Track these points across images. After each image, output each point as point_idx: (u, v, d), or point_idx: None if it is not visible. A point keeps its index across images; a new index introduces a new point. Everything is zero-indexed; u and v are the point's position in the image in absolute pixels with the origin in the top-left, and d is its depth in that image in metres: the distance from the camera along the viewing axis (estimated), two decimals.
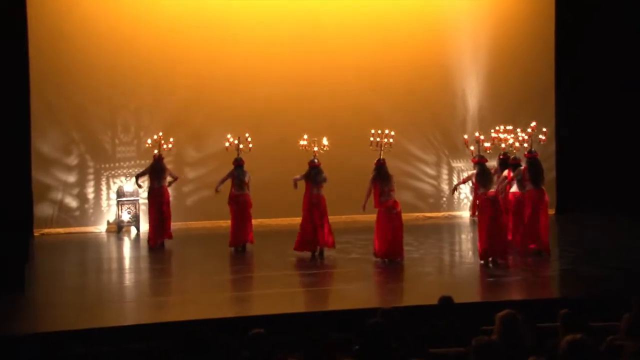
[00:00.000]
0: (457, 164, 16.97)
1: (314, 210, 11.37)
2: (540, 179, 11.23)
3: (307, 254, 11.49)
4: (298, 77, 16.04)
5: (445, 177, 16.96)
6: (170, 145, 13.57)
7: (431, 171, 16.89)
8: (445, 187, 16.95)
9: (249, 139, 12.88)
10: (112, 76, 15.36)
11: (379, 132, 11.29)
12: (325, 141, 11.81)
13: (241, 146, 12.65)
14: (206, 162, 15.69)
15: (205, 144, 15.72)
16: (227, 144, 12.84)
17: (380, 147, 11.16)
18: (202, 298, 8.94)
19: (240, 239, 12.22)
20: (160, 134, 13.66)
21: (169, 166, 13.45)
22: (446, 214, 16.85)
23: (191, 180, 15.66)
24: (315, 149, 11.64)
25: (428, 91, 16.57)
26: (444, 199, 16.97)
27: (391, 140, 11.23)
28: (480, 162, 10.74)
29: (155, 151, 13.22)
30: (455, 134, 16.63)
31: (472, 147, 10.97)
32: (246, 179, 12.42)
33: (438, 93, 16.68)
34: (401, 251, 10.82)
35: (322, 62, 16.10)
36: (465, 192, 16.91)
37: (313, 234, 11.33)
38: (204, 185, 15.46)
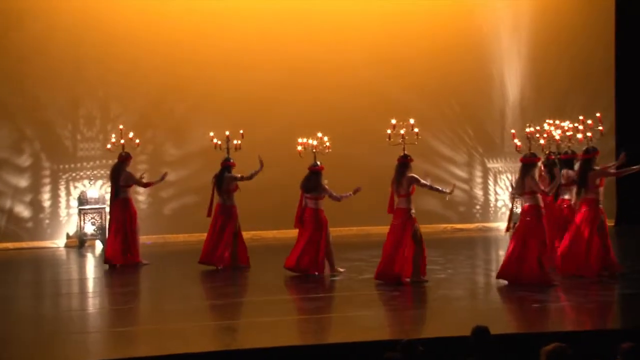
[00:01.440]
0: (494, 165, 17.08)
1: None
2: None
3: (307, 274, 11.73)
4: (298, 61, 16.14)
5: (478, 180, 17.04)
6: (137, 141, 13.56)
7: (461, 173, 16.95)
8: (478, 192, 17.03)
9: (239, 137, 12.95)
10: (73, 60, 15.46)
11: (400, 122, 11.31)
12: (322, 138, 11.90)
13: (236, 142, 12.73)
14: (188, 161, 15.79)
15: (187, 139, 15.80)
16: (217, 142, 12.89)
17: (403, 141, 11.16)
18: (182, 328, 9.00)
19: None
20: (121, 127, 13.64)
21: (138, 173, 13.48)
22: (480, 225, 16.92)
23: (171, 184, 15.66)
24: (313, 144, 11.84)
25: (457, 77, 16.66)
26: (478, 207, 17.03)
27: (416, 129, 11.23)
28: (532, 162, 10.63)
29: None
30: (492, 128, 16.74)
31: (518, 143, 10.84)
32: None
33: (470, 79, 16.76)
34: (396, 272, 10.81)
35: (327, 42, 16.23)
36: (504, 199, 16.90)
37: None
38: (186, 190, 15.55)
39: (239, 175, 12.49)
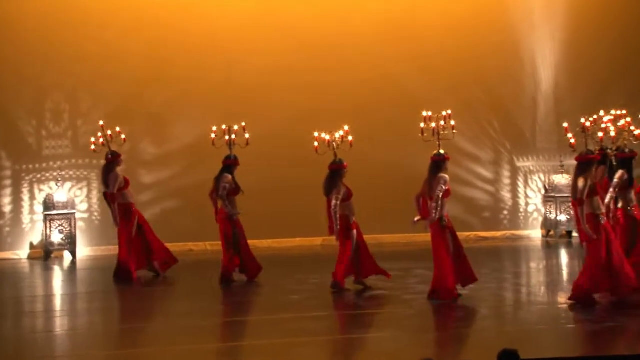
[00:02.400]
0: (524, 163, 17.05)
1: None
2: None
3: (311, 287, 11.88)
4: (303, 42, 16.11)
5: (506, 181, 17.00)
6: (123, 137, 13.60)
7: (486, 173, 16.95)
8: (506, 195, 16.99)
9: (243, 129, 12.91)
10: (38, 46, 15.46)
11: (435, 115, 11.23)
12: (338, 134, 11.84)
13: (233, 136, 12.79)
14: (169, 160, 15.79)
15: (168, 136, 15.81)
16: (213, 135, 12.94)
17: (438, 137, 11.09)
18: (170, 351, 8.94)
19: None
20: (101, 122, 13.66)
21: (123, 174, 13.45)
22: (508, 233, 16.89)
23: (149, 186, 15.70)
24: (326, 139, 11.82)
25: (482, 61, 16.67)
26: (505, 212, 16.99)
27: (452, 122, 11.18)
28: (589, 160, 10.47)
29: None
30: (522, 121, 16.74)
31: (572, 140, 10.73)
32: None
33: (497, 64, 16.77)
34: (450, 288, 10.89)
35: (336, 20, 16.25)
36: (536, 204, 16.82)
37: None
38: (167, 193, 15.58)
39: (226, 185, 12.50)
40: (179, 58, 15.89)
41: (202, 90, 15.83)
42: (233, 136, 12.76)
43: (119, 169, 13.29)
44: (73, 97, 15.79)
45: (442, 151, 11.00)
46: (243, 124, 12.81)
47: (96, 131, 13.67)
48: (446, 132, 11.11)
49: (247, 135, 12.74)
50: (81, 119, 15.71)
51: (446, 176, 10.89)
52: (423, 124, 11.08)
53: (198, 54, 15.94)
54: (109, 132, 13.49)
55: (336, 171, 11.67)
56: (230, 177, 12.54)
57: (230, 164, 12.61)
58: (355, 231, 11.70)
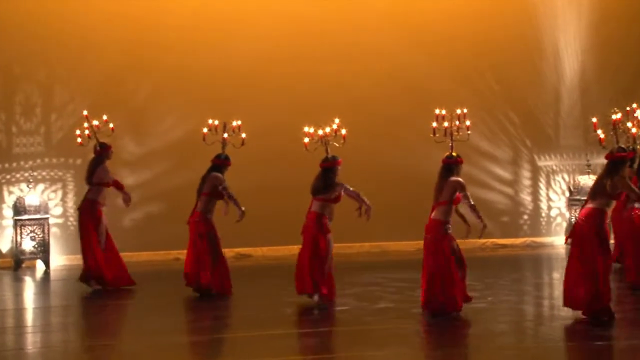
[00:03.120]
0: (546, 162, 17.13)
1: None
2: None
3: (308, 300, 11.84)
4: (299, 28, 16.21)
5: (526, 182, 17.06)
6: (111, 126, 13.57)
7: (504, 174, 17.02)
8: (526, 198, 17.04)
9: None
10: (6, 32, 15.49)
11: (446, 114, 11.22)
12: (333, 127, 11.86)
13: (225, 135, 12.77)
14: (153, 160, 15.88)
15: (152, 132, 15.89)
16: (205, 130, 12.93)
17: (451, 138, 11.09)
18: None
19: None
20: (85, 112, 13.69)
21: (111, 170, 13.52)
22: (528, 240, 16.99)
23: (131, 189, 15.30)
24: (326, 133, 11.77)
25: (498, 49, 16.74)
26: (525, 216, 17.03)
27: (467, 122, 11.17)
28: (621, 159, 10.44)
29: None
30: (543, 115, 16.83)
31: (602, 135, 10.71)
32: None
33: (515, 52, 16.84)
34: (440, 301, 10.90)
35: (336, 6, 16.33)
36: (559, 207, 16.82)
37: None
38: (151, 196, 15.65)
39: (225, 183, 12.52)
40: (163, 46, 15.93)
41: (189, 82, 15.89)
42: (225, 135, 12.79)
43: (109, 163, 13.38)
44: (46, 89, 15.83)
45: (454, 153, 10.98)
46: (239, 122, 12.80)
47: (72, 126, 13.83)
48: (461, 134, 11.13)
49: (243, 135, 12.74)
50: (55, 114, 15.77)
51: (461, 180, 10.87)
52: (435, 124, 11.07)
53: (184, 41, 15.99)
54: (96, 123, 13.47)
55: (329, 169, 11.66)
56: (221, 176, 12.57)
57: (219, 164, 12.64)
58: (330, 235, 11.70)
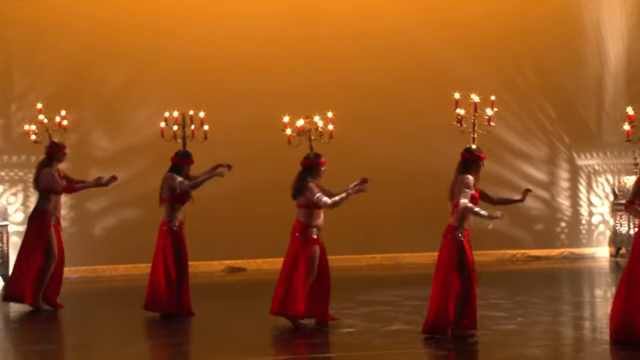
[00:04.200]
0: (587, 161, 17.14)
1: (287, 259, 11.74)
2: None
3: (309, 321, 11.81)
4: (295, 2, 16.25)
5: (564, 184, 17.07)
6: (65, 123, 13.45)
7: (539, 174, 17.06)
8: (564, 202, 17.03)
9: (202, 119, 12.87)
10: None
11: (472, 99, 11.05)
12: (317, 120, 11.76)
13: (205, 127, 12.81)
14: (127, 158, 15.91)
15: (125, 125, 15.96)
16: (163, 124, 12.94)
17: (473, 127, 11.03)
18: None
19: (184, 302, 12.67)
20: (39, 105, 13.58)
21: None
22: (566, 251, 17.01)
23: (102, 192, 15.43)
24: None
25: (532, 30, 16.74)
26: (563, 224, 17.05)
27: (493, 110, 11.09)
28: None
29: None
30: (584, 107, 16.87)
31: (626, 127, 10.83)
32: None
33: (551, 34, 16.83)
34: (450, 320, 10.85)
35: None
36: (602, 213, 16.89)
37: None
38: (125, 200, 15.68)
39: (179, 179, 12.43)
40: (138, 27, 16.00)
41: (168, 68, 15.92)
42: (205, 126, 12.83)
43: (62, 167, 13.27)
44: (4, 75, 15.88)
45: (474, 146, 10.95)
46: (201, 114, 12.77)
47: (36, 119, 13.54)
48: (486, 124, 11.03)
49: (205, 127, 12.71)
50: (15, 104, 15.82)
51: (469, 177, 10.77)
52: (459, 110, 10.94)
53: (163, 21, 16.04)
54: (57, 119, 13.38)
55: (308, 168, 11.62)
56: (175, 176, 12.46)
57: (177, 163, 12.56)
58: (318, 248, 11.66)
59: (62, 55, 15.83)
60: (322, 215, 11.64)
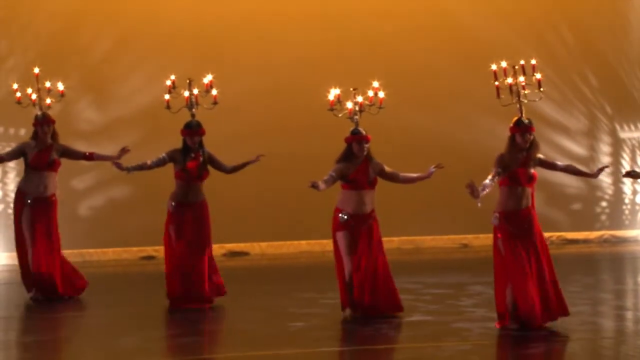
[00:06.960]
0: (632, 134, 17.23)
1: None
2: None
3: (317, 311, 12.09)
4: None
5: (605, 159, 17.15)
6: (62, 89, 13.28)
7: (578, 149, 17.15)
8: (605, 180, 17.10)
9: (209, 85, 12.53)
10: None
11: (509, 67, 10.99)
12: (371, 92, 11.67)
13: (195, 91, 12.56)
14: (117, 130, 15.92)
15: (115, 95, 16.01)
16: (167, 96, 12.55)
17: (518, 98, 11.03)
18: None
19: (190, 288, 12.61)
20: (37, 70, 13.31)
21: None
22: (607, 234, 17.05)
23: (89, 168, 15.67)
24: (350, 105, 11.65)
25: None
26: (603, 203, 17.12)
27: (538, 76, 10.91)
28: None
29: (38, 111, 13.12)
30: (628, 74, 16.88)
31: None
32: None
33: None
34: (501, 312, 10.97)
35: None
36: None
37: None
38: (115, 177, 15.11)
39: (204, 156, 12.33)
40: None
41: (163, 31, 15.99)
42: (214, 91, 12.40)
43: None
44: None
45: (524, 119, 10.99)
46: (210, 77, 12.37)
47: (14, 87, 13.38)
48: (529, 92, 11.05)
49: (214, 92, 12.33)
50: None
51: (501, 154, 10.87)
52: (498, 82, 10.85)
53: None
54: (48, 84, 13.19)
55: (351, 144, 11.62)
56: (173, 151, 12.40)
57: (189, 134, 12.36)
58: (343, 234, 11.60)
59: (44, 17, 15.99)
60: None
